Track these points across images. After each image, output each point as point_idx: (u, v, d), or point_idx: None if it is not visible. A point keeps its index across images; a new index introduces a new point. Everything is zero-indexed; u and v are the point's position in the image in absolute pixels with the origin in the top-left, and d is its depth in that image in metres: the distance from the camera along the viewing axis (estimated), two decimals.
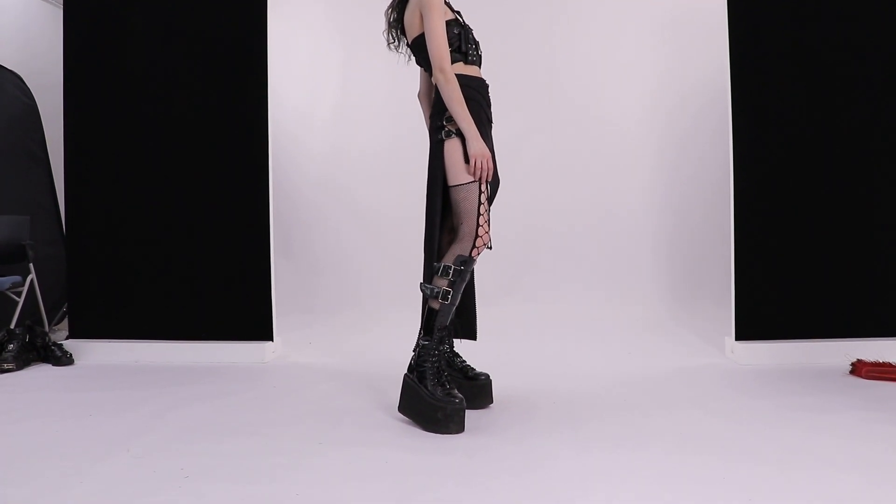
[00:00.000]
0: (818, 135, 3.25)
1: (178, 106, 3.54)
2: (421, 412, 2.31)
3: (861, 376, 2.87)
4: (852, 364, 2.95)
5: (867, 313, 3.25)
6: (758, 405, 2.53)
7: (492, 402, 2.58)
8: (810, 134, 3.26)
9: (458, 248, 2.35)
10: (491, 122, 2.53)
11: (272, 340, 3.49)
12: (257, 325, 3.48)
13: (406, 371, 2.41)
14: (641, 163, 4.94)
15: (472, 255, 2.34)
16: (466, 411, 2.30)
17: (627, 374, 3.05)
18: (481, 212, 2.34)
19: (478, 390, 2.54)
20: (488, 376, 2.59)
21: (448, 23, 2.42)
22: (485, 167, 2.33)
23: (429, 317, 2.40)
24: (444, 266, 2.35)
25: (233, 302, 3.50)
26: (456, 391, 2.31)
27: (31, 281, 3.86)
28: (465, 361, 2.62)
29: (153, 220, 3.56)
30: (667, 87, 4.91)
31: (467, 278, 2.39)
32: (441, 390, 2.29)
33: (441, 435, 2.22)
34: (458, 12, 2.54)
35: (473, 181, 2.35)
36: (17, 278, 3.75)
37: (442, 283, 2.35)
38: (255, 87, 3.48)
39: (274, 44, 3.57)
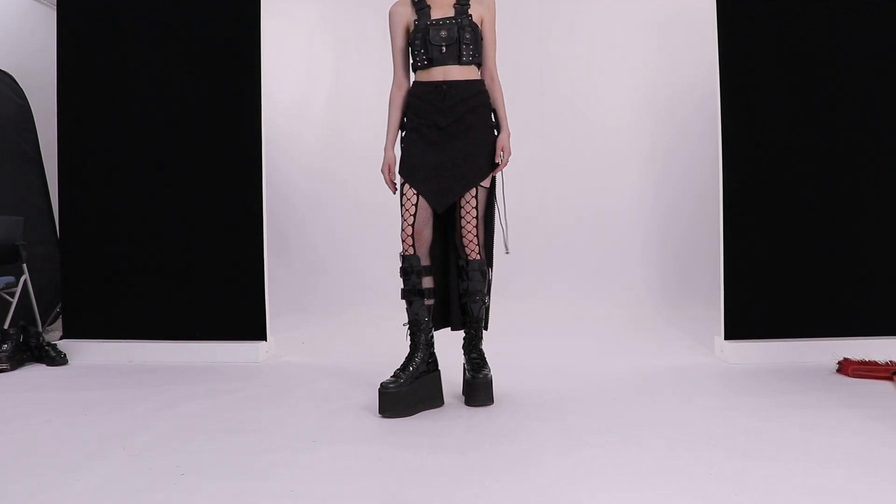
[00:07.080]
0: (807, 135, 3.29)
1: (171, 105, 3.55)
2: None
3: (847, 374, 2.90)
4: (839, 363, 2.98)
5: (854, 313, 3.29)
6: (746, 402, 2.56)
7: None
8: (799, 134, 3.29)
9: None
10: (438, 126, 2.50)
11: (266, 340, 3.49)
12: (251, 325, 3.49)
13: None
14: (631, 163, 4.97)
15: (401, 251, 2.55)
16: (458, 409, 2.33)
17: (617, 372, 3.08)
18: (402, 212, 2.54)
19: (470, 389, 2.57)
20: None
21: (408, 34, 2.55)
22: (385, 179, 2.62)
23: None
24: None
25: (226, 301, 3.51)
26: None
27: (25, 281, 3.86)
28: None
29: (147, 219, 3.56)
30: (657, 87, 4.94)
31: (412, 277, 2.49)
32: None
33: (433, 433, 2.24)
34: (428, 7, 2.51)
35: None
36: (11, 279, 3.75)
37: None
38: (249, 84, 3.48)
39: (267, 41, 3.57)
